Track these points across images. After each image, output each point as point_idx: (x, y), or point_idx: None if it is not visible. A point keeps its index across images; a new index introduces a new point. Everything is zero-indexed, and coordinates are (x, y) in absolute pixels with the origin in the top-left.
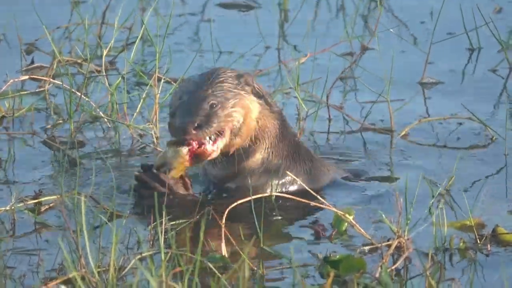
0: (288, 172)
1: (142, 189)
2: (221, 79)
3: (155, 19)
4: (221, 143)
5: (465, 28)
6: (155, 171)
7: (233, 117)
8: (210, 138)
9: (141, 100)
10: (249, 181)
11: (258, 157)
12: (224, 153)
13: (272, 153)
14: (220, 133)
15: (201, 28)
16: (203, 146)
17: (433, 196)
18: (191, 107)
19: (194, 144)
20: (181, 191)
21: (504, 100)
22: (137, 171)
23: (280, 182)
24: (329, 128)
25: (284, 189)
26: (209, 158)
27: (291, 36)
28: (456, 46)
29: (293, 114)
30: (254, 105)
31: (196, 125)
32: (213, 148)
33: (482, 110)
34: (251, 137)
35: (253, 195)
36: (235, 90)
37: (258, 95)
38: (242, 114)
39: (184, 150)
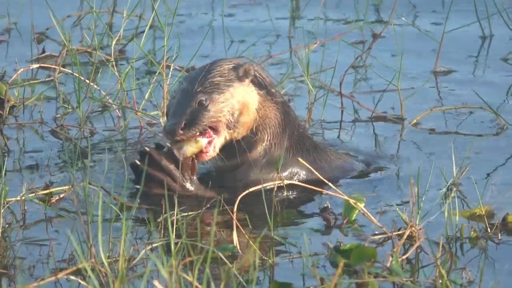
0: (300, 159)
1: (149, 168)
2: (214, 73)
3: (166, 7)
4: (218, 142)
5: (478, 16)
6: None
7: (225, 112)
8: (201, 134)
9: (150, 87)
10: (251, 174)
11: (260, 148)
12: (227, 145)
13: (274, 144)
14: (214, 130)
15: (212, 17)
16: (201, 152)
17: (445, 185)
18: (179, 107)
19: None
20: (187, 174)
21: None
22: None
23: (284, 174)
24: (342, 117)
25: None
26: (207, 159)
27: (302, 24)
28: (468, 34)
29: (304, 102)
30: (252, 96)
31: (182, 125)
32: (211, 152)
33: (494, 99)
34: (252, 128)
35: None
36: (228, 83)
37: (260, 85)
38: (236, 107)
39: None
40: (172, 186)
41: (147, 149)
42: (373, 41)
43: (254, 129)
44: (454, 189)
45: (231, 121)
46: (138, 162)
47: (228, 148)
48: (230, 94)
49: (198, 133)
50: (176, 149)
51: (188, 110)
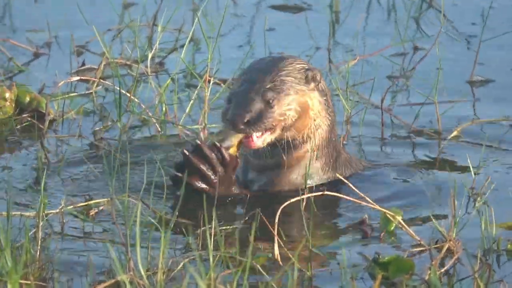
0: (338, 175)
1: (196, 160)
2: (286, 71)
3: (206, 21)
4: (268, 138)
5: None
6: (216, 143)
7: (287, 116)
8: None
9: (191, 102)
10: (287, 178)
11: (302, 155)
12: (271, 144)
13: (317, 155)
14: (269, 129)
15: (252, 30)
16: (249, 138)
17: (470, 197)
18: (246, 100)
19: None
20: (231, 173)
21: None
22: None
23: (315, 185)
24: (382, 133)
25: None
26: (253, 147)
27: (341, 37)
28: (506, 45)
29: (341, 115)
30: (314, 103)
31: (245, 120)
32: (259, 143)
33: None
34: (302, 133)
35: (284, 190)
36: (298, 86)
37: (323, 93)
38: (298, 111)
39: None
40: (211, 181)
41: (198, 142)
42: (418, 62)
43: (304, 135)
44: (479, 199)
45: (288, 124)
46: (187, 153)
47: (272, 148)
48: (296, 97)
49: (255, 133)
50: (220, 143)
51: (253, 107)
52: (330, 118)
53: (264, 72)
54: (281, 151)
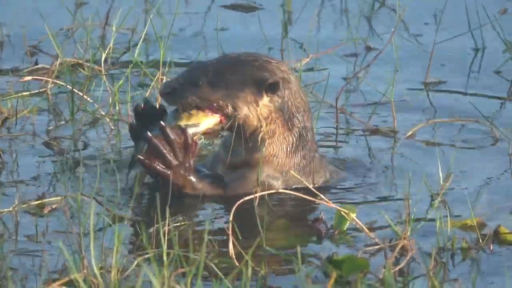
0: (292, 172)
1: (157, 140)
2: (242, 68)
3: (159, 20)
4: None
5: (470, 28)
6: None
7: (218, 106)
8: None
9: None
10: (254, 175)
11: (269, 157)
12: (241, 139)
13: (283, 160)
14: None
15: (204, 29)
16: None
17: (431, 197)
18: (182, 73)
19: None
20: (191, 159)
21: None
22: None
23: (284, 185)
24: (337, 132)
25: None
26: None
27: (294, 37)
28: (460, 46)
29: None
30: (253, 110)
31: (169, 89)
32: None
33: (486, 110)
34: (259, 134)
35: (255, 188)
36: (240, 86)
37: (281, 106)
38: (237, 108)
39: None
40: (171, 164)
41: (162, 123)
42: (372, 60)
43: (260, 137)
44: (438, 199)
45: (228, 112)
46: (150, 134)
47: (243, 144)
48: (233, 95)
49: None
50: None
51: (182, 79)
52: (291, 128)
53: (223, 59)
54: (249, 149)
